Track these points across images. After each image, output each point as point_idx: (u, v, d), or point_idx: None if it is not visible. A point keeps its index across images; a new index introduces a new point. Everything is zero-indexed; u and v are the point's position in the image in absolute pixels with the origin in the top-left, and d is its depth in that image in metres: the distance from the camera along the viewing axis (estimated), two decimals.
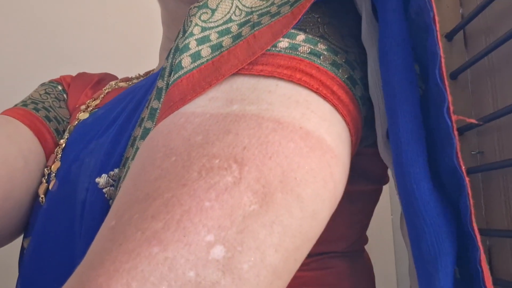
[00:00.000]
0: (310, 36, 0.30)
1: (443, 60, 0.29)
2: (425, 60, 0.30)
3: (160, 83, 0.32)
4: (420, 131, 0.29)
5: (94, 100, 0.50)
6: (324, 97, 0.29)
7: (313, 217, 0.27)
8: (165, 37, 0.51)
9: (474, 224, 0.30)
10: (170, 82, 0.30)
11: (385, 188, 0.47)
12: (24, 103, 0.51)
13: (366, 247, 0.49)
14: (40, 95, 0.52)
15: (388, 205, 0.95)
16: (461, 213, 0.30)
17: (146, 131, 0.32)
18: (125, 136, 0.35)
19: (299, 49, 0.30)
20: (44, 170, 0.45)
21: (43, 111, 0.50)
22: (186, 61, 0.30)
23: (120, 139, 0.35)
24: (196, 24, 0.31)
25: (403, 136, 0.29)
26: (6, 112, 0.49)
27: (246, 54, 0.28)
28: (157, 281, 0.21)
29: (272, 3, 0.31)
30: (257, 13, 0.31)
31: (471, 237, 0.30)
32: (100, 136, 0.39)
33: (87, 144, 0.40)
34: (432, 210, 0.29)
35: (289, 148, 0.26)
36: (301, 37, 0.30)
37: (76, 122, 0.47)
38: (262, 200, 0.24)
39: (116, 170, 0.33)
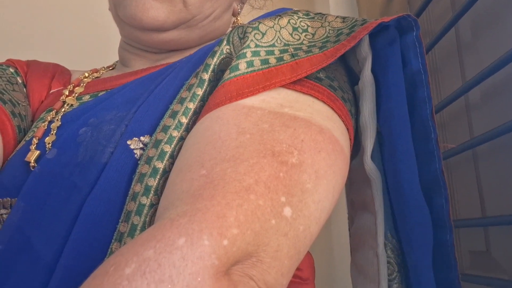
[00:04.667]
0: (328, 74, 0.41)
1: (433, 107, 0.42)
2: (413, 102, 0.43)
3: (204, 75, 0.41)
4: (412, 148, 0.42)
5: (75, 86, 0.54)
6: (341, 119, 0.39)
7: (334, 204, 0.36)
8: (123, 41, 0.60)
9: (450, 214, 0.43)
10: (226, 78, 0.38)
11: (343, 192, 0.52)
12: None
13: (329, 243, 0.53)
14: None
15: (344, 206, 0.98)
16: (433, 209, 0.43)
17: (188, 110, 0.40)
18: (156, 109, 0.42)
19: (322, 81, 0.40)
20: None
21: None
22: (242, 65, 0.39)
23: (149, 111, 0.42)
24: (252, 40, 0.40)
25: (401, 153, 0.41)
26: None
27: (292, 74, 0.38)
28: (254, 220, 0.28)
29: (301, 43, 0.41)
30: (292, 46, 0.41)
31: (446, 224, 0.43)
32: (118, 110, 0.45)
33: (89, 117, 0.46)
34: (426, 210, 0.42)
35: (328, 148, 0.35)
36: (322, 74, 0.40)
37: (67, 106, 0.51)
38: (314, 182, 0.32)
39: (147, 136, 0.40)
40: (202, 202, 0.28)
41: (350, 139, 0.41)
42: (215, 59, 0.42)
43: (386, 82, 0.43)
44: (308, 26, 0.43)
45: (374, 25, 0.40)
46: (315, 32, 0.43)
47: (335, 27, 0.43)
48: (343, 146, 0.37)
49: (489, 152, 0.61)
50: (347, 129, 0.40)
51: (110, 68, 0.62)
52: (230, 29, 0.61)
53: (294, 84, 0.38)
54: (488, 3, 0.61)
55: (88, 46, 1.08)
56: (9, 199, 0.43)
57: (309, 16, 0.44)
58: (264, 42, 0.40)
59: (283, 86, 0.38)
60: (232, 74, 0.38)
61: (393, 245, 0.46)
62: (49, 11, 1.15)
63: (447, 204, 0.44)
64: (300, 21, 0.43)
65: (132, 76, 0.52)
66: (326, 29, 0.43)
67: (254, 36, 0.40)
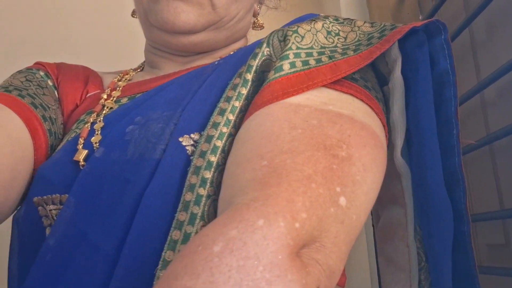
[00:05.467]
0: (362, 75, 0.44)
1: (458, 105, 0.45)
2: (440, 101, 0.46)
3: (248, 76, 0.44)
4: (437, 145, 0.44)
5: (111, 90, 0.56)
6: (378, 116, 0.42)
7: (376, 196, 0.38)
8: (150, 45, 0.62)
9: (468, 206, 0.46)
10: (272, 78, 0.41)
11: None
12: (6, 89, 0.52)
13: None
14: (22, 82, 0.54)
15: None
16: (452, 201, 0.45)
17: (234, 108, 0.43)
18: (203, 109, 0.45)
19: (358, 82, 0.42)
20: (26, 152, 0.49)
21: (28, 98, 0.52)
22: (286, 66, 0.41)
23: (196, 111, 0.45)
24: (293, 43, 0.43)
25: (428, 149, 0.44)
26: None
27: (332, 75, 0.40)
28: (317, 207, 0.30)
29: (336, 46, 0.44)
30: (328, 49, 0.43)
31: (464, 216, 0.45)
32: (163, 110, 0.47)
33: (134, 117, 0.48)
34: (449, 204, 0.44)
35: (371, 143, 0.37)
36: (357, 75, 0.43)
37: (107, 108, 0.53)
38: (362, 174, 0.34)
39: (197, 133, 0.43)
40: (271, 189, 0.30)
41: (385, 135, 0.43)
42: (257, 61, 0.44)
43: (416, 83, 0.45)
44: (339, 30, 0.46)
45: (407, 29, 0.43)
46: (346, 36, 0.46)
47: (365, 31, 0.46)
48: (382, 141, 0.40)
49: (506, 148, 0.63)
50: (383, 126, 0.42)
51: (138, 70, 0.64)
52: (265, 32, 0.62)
53: (334, 84, 0.41)
54: (502, 2, 0.63)
55: (105, 50, 1.10)
56: (58, 195, 0.44)
57: (339, 21, 0.47)
58: (304, 45, 0.43)
59: (324, 85, 0.40)
60: (277, 74, 0.41)
61: (421, 236, 0.48)
62: (65, 17, 1.17)
63: (464, 196, 0.46)
64: (332, 26, 0.46)
65: (165, 79, 0.55)
66: (356, 33, 0.46)
67: (294, 39, 0.43)
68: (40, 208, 0.45)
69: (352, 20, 0.48)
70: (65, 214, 0.42)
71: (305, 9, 1.20)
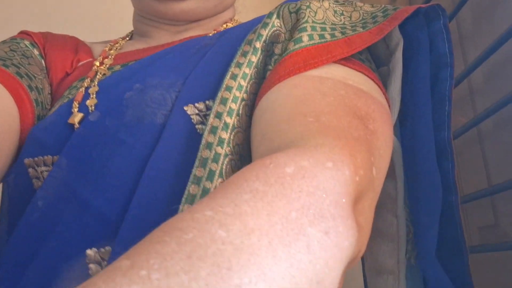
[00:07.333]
0: (366, 56, 0.46)
1: (452, 87, 0.48)
2: (435, 81, 0.48)
3: (258, 44, 0.45)
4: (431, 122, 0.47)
5: (103, 58, 0.56)
6: (385, 96, 0.44)
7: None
8: (139, 15, 0.62)
9: (456, 177, 0.48)
10: (292, 49, 0.42)
11: None
12: None
13: None
14: (6, 52, 0.53)
15: None
16: (443, 171, 0.47)
17: (245, 75, 0.44)
18: (208, 79, 0.46)
19: (365, 62, 0.44)
20: (13, 123, 0.48)
21: (13, 67, 0.51)
22: (305, 38, 0.42)
23: (200, 82, 0.46)
24: (308, 16, 0.44)
25: (423, 122, 0.46)
26: None
27: (348, 48, 0.42)
28: (367, 169, 0.31)
29: (344, 23, 0.46)
30: (338, 25, 0.45)
31: (451, 186, 0.48)
32: (162, 78, 0.48)
33: (132, 84, 0.48)
34: (438, 175, 0.46)
35: (388, 122, 0.40)
36: (363, 56, 0.45)
37: (100, 75, 0.52)
38: (384, 149, 0.37)
39: (201, 103, 0.44)
40: (333, 141, 0.30)
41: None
42: (267, 31, 0.46)
43: (415, 63, 0.48)
44: (342, 10, 0.48)
45: (413, 9, 0.45)
46: (350, 15, 0.47)
47: (367, 11, 0.47)
48: (392, 121, 0.42)
49: (493, 131, 0.65)
50: (388, 105, 0.44)
51: (127, 39, 0.64)
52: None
53: (347, 62, 0.42)
54: None
55: (91, 20, 1.07)
56: (50, 157, 0.45)
57: (339, 3, 0.49)
58: (317, 20, 0.45)
59: (338, 63, 0.42)
60: (297, 46, 0.42)
61: (408, 209, 0.50)
62: None
63: (453, 168, 0.48)
64: (335, 6, 0.48)
65: (158, 49, 0.55)
66: (359, 12, 0.47)
67: (309, 13, 0.45)
68: (31, 169, 0.45)
69: (351, 1, 0.49)
70: (55, 175, 0.43)
71: None
